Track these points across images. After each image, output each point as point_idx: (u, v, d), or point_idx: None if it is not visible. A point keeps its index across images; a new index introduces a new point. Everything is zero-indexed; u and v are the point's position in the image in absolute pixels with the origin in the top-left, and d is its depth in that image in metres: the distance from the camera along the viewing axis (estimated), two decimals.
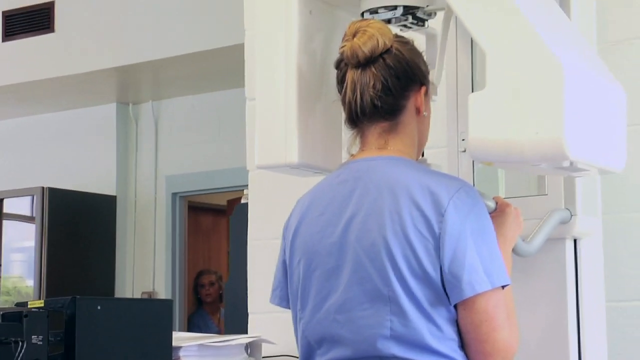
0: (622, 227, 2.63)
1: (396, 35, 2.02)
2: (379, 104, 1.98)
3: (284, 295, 2.08)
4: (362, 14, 2.24)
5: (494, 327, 1.86)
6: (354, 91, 1.99)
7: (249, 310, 3.25)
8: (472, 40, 2.44)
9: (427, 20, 2.29)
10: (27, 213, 6.49)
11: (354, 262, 1.91)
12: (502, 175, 2.52)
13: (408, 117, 2.01)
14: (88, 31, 6.07)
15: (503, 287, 1.88)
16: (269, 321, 3.02)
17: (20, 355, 2.20)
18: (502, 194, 2.42)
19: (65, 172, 6.76)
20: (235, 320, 4.01)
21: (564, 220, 2.31)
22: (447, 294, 1.86)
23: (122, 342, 2.44)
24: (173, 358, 2.58)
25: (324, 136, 2.26)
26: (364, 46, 1.97)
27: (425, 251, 1.85)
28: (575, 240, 2.36)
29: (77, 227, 6.46)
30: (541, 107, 1.91)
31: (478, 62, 2.45)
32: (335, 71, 2.05)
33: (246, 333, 3.14)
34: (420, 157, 2.13)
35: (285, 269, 2.07)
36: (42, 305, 2.34)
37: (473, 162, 2.45)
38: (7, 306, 5.06)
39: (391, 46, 1.98)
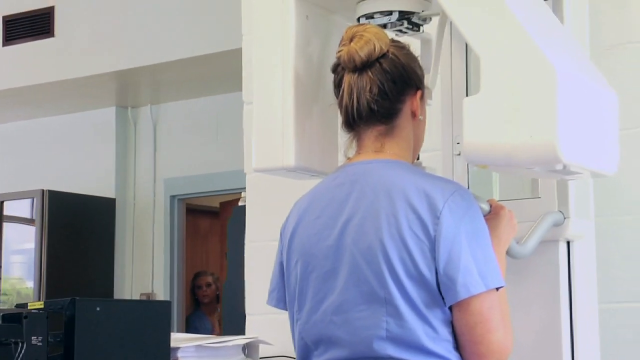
0: (614, 229, 2.63)
1: (392, 40, 2.02)
2: (376, 108, 1.98)
3: (281, 297, 2.08)
4: (359, 19, 2.25)
5: (489, 329, 1.86)
6: (350, 95, 1.98)
7: (246, 312, 3.25)
8: (466, 45, 2.44)
9: (422, 25, 2.29)
10: (27, 215, 6.49)
11: (350, 264, 1.91)
12: (496, 178, 2.52)
13: (404, 120, 2.01)
14: (87, 36, 6.07)
15: (497, 289, 1.88)
16: (266, 322, 3.02)
17: (20, 356, 2.19)
18: (496, 197, 2.41)
19: (65, 175, 6.76)
20: (233, 322, 4.00)
21: (557, 222, 2.31)
22: (442, 296, 1.86)
23: (121, 342, 2.44)
24: (171, 359, 2.58)
25: (320, 139, 2.26)
26: (361, 51, 1.97)
27: (420, 253, 1.85)
28: (568, 243, 2.36)
29: (77, 230, 6.45)
30: (535, 111, 1.91)
31: (472, 67, 2.45)
32: (332, 75, 2.05)
33: (244, 334, 3.14)
34: (416, 160, 2.13)
35: (282, 271, 2.07)
36: (42, 306, 2.34)
37: (467, 165, 2.45)
38: (7, 307, 5.05)
39: (387, 51, 1.98)
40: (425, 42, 2.33)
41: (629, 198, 2.65)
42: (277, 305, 2.09)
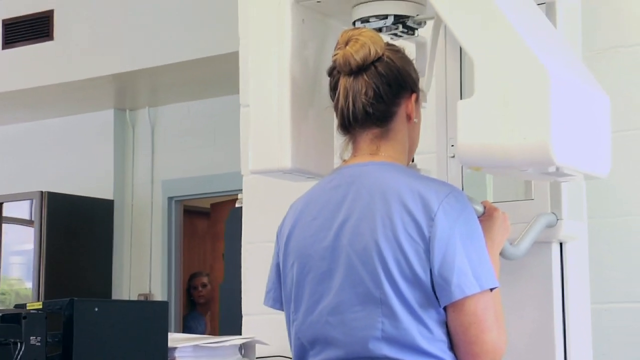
0: (606, 231, 2.64)
1: (387, 44, 2.02)
2: (371, 111, 1.98)
3: (277, 298, 2.07)
4: (354, 23, 2.25)
5: (483, 329, 1.86)
6: (346, 98, 1.98)
7: (243, 312, 3.25)
8: (460, 49, 2.44)
9: (417, 29, 2.29)
10: (26, 217, 6.48)
11: (346, 266, 1.91)
12: (490, 180, 2.52)
13: (399, 123, 2.01)
14: (86, 39, 6.07)
15: (491, 289, 1.88)
16: (263, 322, 3.02)
17: (19, 356, 2.19)
18: (490, 199, 2.41)
19: (64, 177, 6.75)
20: (230, 322, 4.00)
21: (550, 224, 2.31)
22: (437, 297, 1.85)
23: (119, 343, 2.44)
24: (168, 358, 2.57)
25: (316, 142, 2.26)
26: (356, 54, 1.97)
27: (415, 254, 1.85)
28: (561, 244, 2.36)
29: (75, 231, 6.44)
30: (528, 113, 1.91)
31: (466, 70, 2.45)
32: (328, 78, 2.05)
33: (240, 334, 3.14)
34: (411, 162, 2.13)
35: (278, 272, 2.06)
36: (41, 307, 2.33)
37: (462, 167, 2.45)
38: (6, 308, 5.05)
39: (382, 54, 1.98)
40: (420, 46, 2.33)
41: (621, 200, 2.65)
42: (273, 306, 2.09)
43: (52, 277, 6.23)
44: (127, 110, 6.83)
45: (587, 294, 2.48)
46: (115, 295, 6.61)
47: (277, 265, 2.07)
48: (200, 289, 7.25)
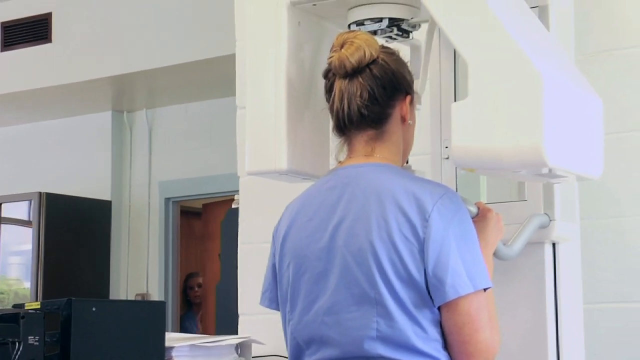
0: (599, 232, 2.64)
1: (382, 46, 2.02)
2: (366, 113, 1.98)
3: (273, 298, 2.07)
4: (349, 26, 2.25)
5: (476, 329, 1.86)
6: (341, 100, 1.98)
7: (239, 312, 3.25)
8: (454, 52, 2.44)
9: (411, 32, 2.29)
10: (25, 217, 6.47)
11: (341, 266, 1.90)
12: (483, 182, 2.52)
13: (394, 125, 2.01)
14: (84, 41, 6.06)
15: (485, 289, 1.88)
16: (259, 322, 3.01)
17: (17, 355, 2.19)
18: (483, 200, 2.42)
19: (62, 178, 6.74)
20: (226, 321, 4.00)
21: (543, 225, 2.31)
22: (431, 297, 1.86)
23: (117, 342, 2.43)
24: (165, 358, 2.57)
25: (312, 143, 2.26)
26: (352, 57, 1.96)
27: (410, 255, 1.85)
28: (554, 245, 2.36)
29: (73, 231, 6.43)
30: (521, 116, 1.91)
31: (460, 73, 2.45)
32: (324, 81, 2.05)
33: (236, 334, 3.13)
34: (405, 163, 2.13)
35: (274, 273, 2.06)
36: (39, 306, 2.33)
37: (456, 168, 2.45)
38: (4, 307, 5.04)
39: (377, 57, 1.98)
40: (415, 49, 2.33)
41: (613, 201, 2.65)
42: (269, 306, 2.09)
43: (50, 277, 6.22)
44: (125, 112, 6.82)
45: (580, 294, 2.48)
46: (113, 295, 6.60)
47: (273, 265, 2.07)
48: (196, 289, 7.24)
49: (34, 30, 6.24)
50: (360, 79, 1.97)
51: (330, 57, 2.01)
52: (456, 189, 2.44)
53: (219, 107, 6.29)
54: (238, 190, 3.34)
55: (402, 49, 2.12)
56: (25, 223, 6.45)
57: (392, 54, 2.03)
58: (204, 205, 7.00)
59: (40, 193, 6.29)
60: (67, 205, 6.42)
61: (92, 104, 6.60)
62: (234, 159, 3.29)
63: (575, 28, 2.53)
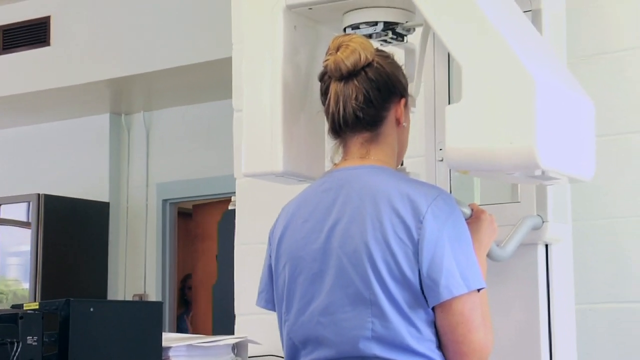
0: (590, 233, 2.64)
1: (377, 50, 2.02)
2: (361, 115, 1.97)
3: (269, 298, 2.07)
4: (345, 30, 2.25)
5: (470, 329, 1.86)
6: (337, 103, 1.98)
7: (235, 312, 3.24)
8: (448, 55, 2.44)
9: (406, 35, 2.29)
10: (24, 218, 6.46)
11: (337, 267, 1.90)
12: (477, 183, 2.52)
13: (388, 127, 2.01)
14: (83, 45, 6.06)
15: (478, 290, 1.88)
16: (255, 322, 3.01)
17: (16, 355, 2.18)
18: (477, 201, 2.42)
19: (61, 180, 6.73)
20: (223, 322, 3.99)
21: (536, 226, 2.32)
22: (425, 297, 1.85)
23: (114, 342, 2.43)
24: (163, 358, 2.57)
25: (308, 146, 2.26)
26: (347, 60, 1.96)
27: (404, 256, 1.85)
28: (546, 246, 2.36)
29: (72, 232, 6.42)
30: (514, 118, 1.91)
31: (454, 76, 2.45)
32: (319, 83, 2.05)
33: (233, 334, 3.13)
34: (400, 165, 2.13)
35: (271, 273, 2.06)
36: (37, 307, 2.33)
37: (450, 170, 2.45)
38: (3, 308, 5.03)
39: (372, 60, 1.98)
40: (409, 52, 2.33)
41: (605, 203, 2.65)
42: (265, 306, 2.09)
43: (48, 278, 6.21)
44: (123, 115, 6.82)
45: (572, 295, 2.48)
46: (111, 296, 6.59)
47: (270, 266, 2.06)
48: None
49: (33, 34, 6.23)
50: (355, 82, 1.97)
51: (325, 60, 2.01)
52: (450, 190, 2.44)
53: (216, 109, 6.29)
54: (235, 192, 3.34)
55: (396, 52, 2.12)
56: (24, 224, 6.44)
57: (387, 57, 2.03)
58: (194, 207, 6.99)
59: (38, 194, 6.28)
60: (66, 206, 6.41)
61: (91, 106, 6.59)
62: (230, 161, 3.29)
63: (567, 31, 2.53)
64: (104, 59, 5.95)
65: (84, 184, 6.69)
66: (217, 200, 6.60)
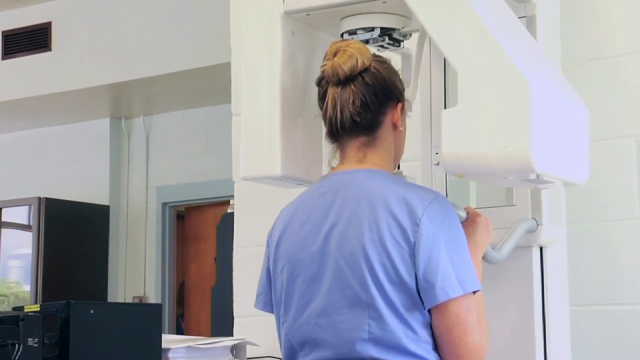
0: (585, 236, 2.64)
1: (374, 55, 2.02)
2: (358, 120, 1.98)
3: (267, 300, 2.07)
4: (342, 35, 2.25)
5: (466, 331, 1.86)
6: (334, 107, 1.98)
7: (234, 314, 3.24)
8: (445, 60, 2.44)
9: (402, 41, 2.29)
10: (25, 222, 6.46)
11: (334, 270, 1.90)
12: (473, 187, 2.52)
13: (385, 132, 2.01)
14: (83, 50, 6.06)
15: (474, 292, 1.88)
16: (254, 324, 3.01)
17: (17, 357, 2.18)
18: (473, 205, 2.42)
19: (61, 183, 6.73)
20: (222, 323, 3.99)
21: (530, 229, 2.32)
22: (421, 299, 1.85)
23: (114, 344, 2.43)
24: (162, 359, 2.56)
25: (305, 150, 2.26)
26: (344, 65, 1.96)
27: (401, 259, 1.85)
28: (541, 248, 2.36)
29: (72, 235, 6.42)
30: (509, 123, 1.91)
31: (450, 81, 2.46)
32: (317, 88, 2.05)
33: (232, 335, 3.13)
34: (396, 169, 2.13)
35: (269, 276, 2.06)
36: (38, 309, 2.32)
37: (446, 174, 2.45)
38: (4, 310, 5.03)
39: (369, 65, 1.98)
40: (406, 57, 2.34)
41: (599, 206, 2.65)
42: (264, 308, 2.09)
43: (49, 280, 6.21)
44: (123, 119, 6.82)
45: (566, 297, 2.48)
46: (111, 298, 6.59)
47: (268, 269, 2.06)
48: None
49: (34, 39, 6.23)
50: (352, 87, 1.97)
51: (323, 65, 2.01)
52: (446, 194, 2.44)
53: (215, 114, 6.29)
54: (233, 195, 3.34)
55: (393, 57, 2.12)
56: (25, 227, 6.44)
57: (384, 62, 2.03)
58: (187, 209, 6.98)
59: (40, 198, 6.27)
60: (66, 210, 6.40)
61: (91, 111, 6.59)
62: (229, 164, 3.29)
63: (562, 37, 2.53)
64: (104, 64, 5.95)
65: (85, 187, 6.69)
66: (209, 203, 6.60)
